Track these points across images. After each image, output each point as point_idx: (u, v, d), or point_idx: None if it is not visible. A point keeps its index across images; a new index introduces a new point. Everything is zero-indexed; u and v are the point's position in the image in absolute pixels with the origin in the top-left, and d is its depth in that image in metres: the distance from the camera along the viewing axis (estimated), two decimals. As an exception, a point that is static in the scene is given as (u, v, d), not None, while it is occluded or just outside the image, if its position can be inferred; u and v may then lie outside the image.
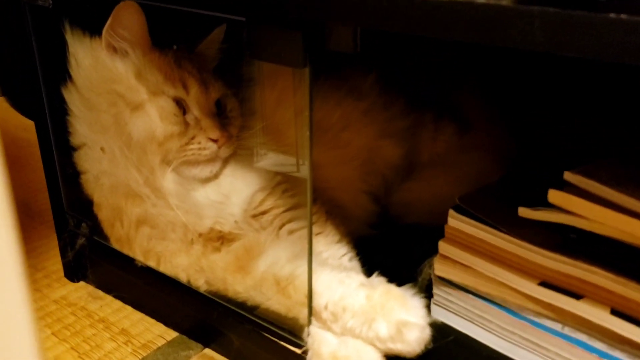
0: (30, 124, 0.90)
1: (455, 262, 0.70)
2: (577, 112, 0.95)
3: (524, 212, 0.66)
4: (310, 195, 0.65)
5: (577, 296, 0.62)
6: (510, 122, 0.99)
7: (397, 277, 0.71)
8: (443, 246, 0.71)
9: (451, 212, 0.70)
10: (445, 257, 0.71)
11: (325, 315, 0.66)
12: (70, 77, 0.79)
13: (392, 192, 0.96)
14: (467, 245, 0.70)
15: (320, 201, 0.85)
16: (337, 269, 0.71)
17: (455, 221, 0.70)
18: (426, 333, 0.64)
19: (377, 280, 0.67)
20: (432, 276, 0.73)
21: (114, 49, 0.74)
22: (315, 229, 0.80)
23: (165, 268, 0.81)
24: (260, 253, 0.74)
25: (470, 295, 0.70)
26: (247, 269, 0.73)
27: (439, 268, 0.72)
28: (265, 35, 0.56)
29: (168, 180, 0.75)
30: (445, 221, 0.77)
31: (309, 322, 0.68)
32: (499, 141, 0.99)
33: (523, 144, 0.96)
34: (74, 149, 0.84)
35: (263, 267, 0.72)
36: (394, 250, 0.87)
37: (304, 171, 0.68)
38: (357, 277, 0.67)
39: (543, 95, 0.98)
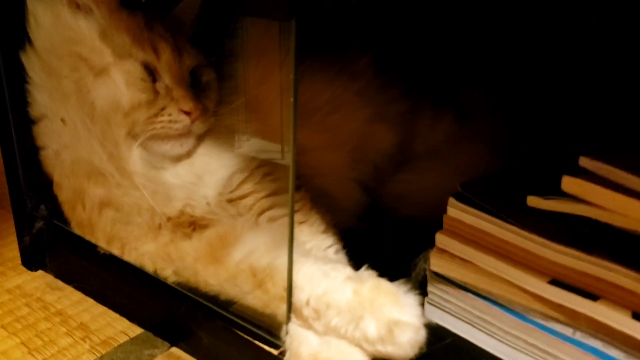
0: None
1: (453, 256, 0.63)
2: (579, 98, 0.89)
3: (533, 201, 0.59)
4: (293, 176, 0.57)
5: (592, 297, 0.54)
6: (511, 112, 0.92)
7: (389, 272, 0.63)
8: (441, 238, 0.64)
9: (451, 200, 0.63)
10: (442, 251, 0.64)
11: (306, 312, 0.58)
12: (29, 39, 0.71)
13: (384, 183, 0.88)
14: (467, 238, 0.62)
15: (305, 188, 0.78)
16: (321, 260, 0.63)
17: (456, 210, 0.63)
18: (421, 335, 0.56)
19: (366, 273, 0.60)
20: (427, 272, 0.65)
21: (77, 6, 0.67)
22: (298, 217, 0.72)
23: (130, 256, 0.73)
24: (236, 241, 0.66)
25: (470, 294, 0.63)
26: (221, 258, 0.65)
27: (436, 263, 0.64)
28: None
29: (134, 157, 0.67)
30: (441, 216, 0.70)
31: (288, 320, 0.60)
32: (499, 132, 0.92)
33: (525, 135, 0.89)
34: (33, 121, 0.76)
35: (238, 257, 0.64)
36: (385, 244, 0.79)
37: (288, 156, 0.60)
38: (343, 269, 0.60)
39: (545, 83, 0.92)
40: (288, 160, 0.59)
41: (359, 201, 0.85)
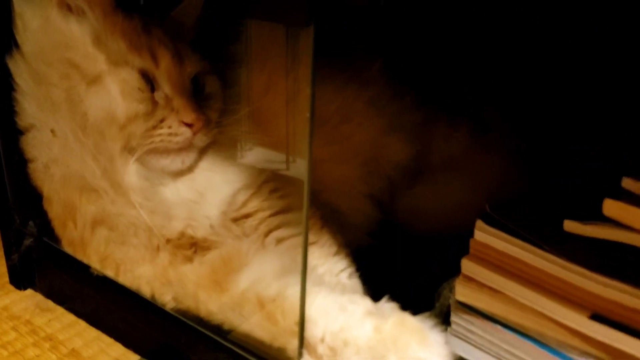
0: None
1: (481, 284, 0.57)
2: (604, 109, 0.83)
3: (571, 226, 0.54)
4: (308, 195, 0.52)
5: (638, 334, 0.49)
6: (531, 123, 0.87)
7: (409, 300, 0.58)
8: (467, 265, 0.58)
9: (479, 223, 0.57)
10: (469, 279, 0.58)
11: (321, 349, 0.52)
12: (16, 43, 0.65)
13: (397, 197, 0.83)
14: (497, 265, 0.56)
15: (314, 205, 0.72)
16: (335, 288, 0.58)
17: (484, 234, 0.57)
18: (448, 376, 0.51)
19: (388, 307, 0.54)
20: (452, 301, 0.60)
21: (68, 8, 0.61)
22: (308, 238, 0.66)
23: (125, 279, 0.67)
24: (241, 266, 0.60)
25: (499, 327, 0.57)
26: (225, 284, 0.60)
27: (461, 291, 0.58)
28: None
29: (130, 173, 0.62)
30: (460, 232, 0.65)
31: (300, 356, 0.55)
32: (519, 143, 0.86)
33: (547, 147, 0.84)
34: (20, 131, 0.70)
35: (244, 285, 0.58)
36: (401, 264, 0.74)
37: (299, 167, 0.55)
38: (362, 302, 0.54)
39: (568, 92, 0.86)
40: (302, 174, 0.53)
41: (372, 217, 0.80)
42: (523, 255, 0.54)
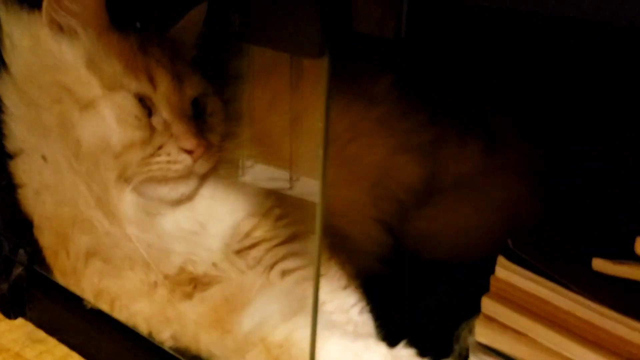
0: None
1: (503, 326, 0.53)
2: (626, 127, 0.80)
3: (600, 265, 0.50)
4: (320, 227, 0.48)
5: (679, 386, 0.45)
6: (548, 140, 0.83)
7: (425, 342, 0.54)
8: (488, 304, 0.54)
9: (501, 259, 0.53)
10: (490, 319, 0.54)
11: (333, 401, 0.49)
12: (4, 63, 0.61)
13: (407, 221, 0.79)
14: (521, 305, 0.53)
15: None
16: (346, 327, 0.54)
17: (506, 272, 0.53)
18: None
19: (405, 354, 0.50)
20: (472, 342, 0.56)
21: (59, 27, 0.57)
22: (311, 272, 0.62)
23: (120, 314, 0.63)
24: (245, 304, 0.56)
25: (523, 371, 0.53)
26: (227, 325, 0.56)
27: (482, 332, 0.54)
28: (266, 11, 0.39)
29: (126, 203, 0.58)
30: (472, 257, 0.61)
31: (310, 407, 0.51)
32: (534, 163, 0.83)
33: (566, 166, 0.80)
34: (9, 155, 0.66)
35: (248, 327, 0.54)
36: (415, 296, 0.70)
37: (311, 189, 0.51)
38: (377, 348, 0.50)
39: (588, 106, 0.82)
40: (314, 196, 0.49)
41: (382, 243, 0.76)
42: (549, 295, 0.51)
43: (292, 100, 0.66)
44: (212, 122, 0.64)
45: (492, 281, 0.54)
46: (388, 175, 0.76)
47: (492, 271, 0.54)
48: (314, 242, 0.46)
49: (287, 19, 0.38)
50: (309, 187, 0.63)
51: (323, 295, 0.60)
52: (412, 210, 0.79)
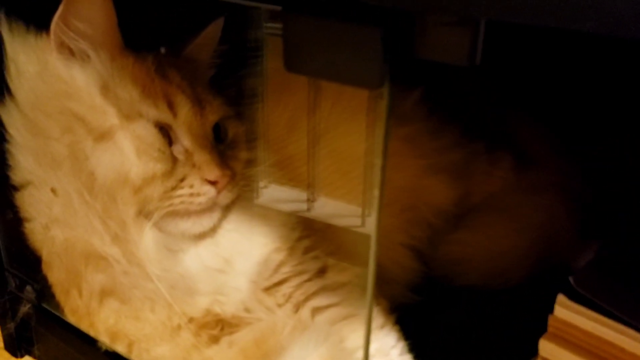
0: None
1: (565, 371, 0.49)
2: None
3: (673, 303, 0.45)
4: (374, 264, 0.43)
5: None
6: (586, 155, 0.78)
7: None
8: (546, 346, 0.50)
9: (561, 298, 0.49)
10: (549, 363, 0.50)
11: None
12: (8, 89, 0.56)
13: (437, 246, 0.74)
14: (584, 348, 0.48)
15: (347, 260, 0.63)
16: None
17: (567, 312, 0.48)
18: None
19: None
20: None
21: (69, 51, 0.52)
22: (346, 310, 0.57)
23: (139, 358, 0.58)
24: (278, 349, 0.52)
25: (587, 419, 0.49)
26: (261, 374, 0.51)
27: (540, 377, 0.50)
28: (313, 33, 0.34)
29: (147, 241, 0.53)
30: (507, 283, 0.57)
31: None
32: (569, 180, 0.78)
33: (607, 183, 0.76)
34: (15, 188, 0.61)
35: (285, 375, 0.50)
36: (452, 329, 0.65)
37: (364, 223, 0.47)
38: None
39: (624, 120, 0.78)
40: (370, 229, 0.45)
41: (413, 270, 0.71)
42: (618, 339, 0.46)
43: (312, 122, 0.62)
44: (234, 149, 0.59)
45: (551, 321, 0.50)
46: (418, 197, 0.72)
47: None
48: (366, 280, 0.42)
49: (341, 41, 0.33)
50: (335, 211, 0.58)
51: (359, 338, 0.55)
52: (443, 234, 0.75)
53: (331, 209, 0.55)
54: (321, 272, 0.60)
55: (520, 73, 0.79)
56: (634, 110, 0.76)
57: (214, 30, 0.64)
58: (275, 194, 0.61)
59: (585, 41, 0.71)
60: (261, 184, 0.63)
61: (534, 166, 0.79)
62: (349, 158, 0.63)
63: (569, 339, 0.49)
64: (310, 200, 0.60)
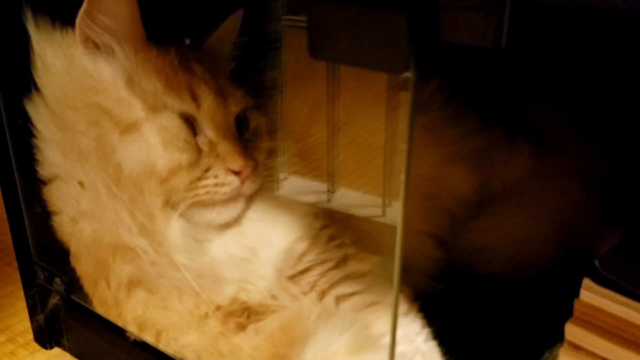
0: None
1: (592, 354, 0.49)
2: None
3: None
4: (401, 255, 0.44)
5: None
6: (606, 140, 0.78)
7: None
8: (572, 330, 0.50)
9: (587, 282, 0.49)
10: (575, 347, 0.50)
11: None
12: (35, 85, 0.57)
13: (459, 234, 0.74)
14: (611, 331, 0.48)
15: (369, 249, 0.64)
16: (414, 359, 0.49)
17: (593, 295, 0.48)
18: None
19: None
20: (554, 371, 0.51)
21: (94, 45, 0.53)
22: (370, 297, 0.58)
23: (168, 347, 0.59)
24: (304, 335, 0.52)
25: (614, 402, 0.49)
26: (288, 359, 0.52)
27: (567, 361, 0.50)
28: (338, 18, 0.34)
29: (174, 231, 0.54)
30: (529, 270, 0.57)
31: None
32: (593, 164, 0.78)
33: (629, 168, 0.75)
34: (43, 182, 0.62)
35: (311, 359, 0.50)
36: (476, 316, 0.65)
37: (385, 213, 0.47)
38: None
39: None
40: (396, 220, 0.44)
41: (434, 258, 0.71)
42: (644, 320, 0.46)
43: (332, 112, 0.63)
44: (257, 139, 0.60)
45: (576, 305, 0.50)
46: (438, 185, 0.72)
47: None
48: (392, 269, 0.42)
49: (364, 26, 0.34)
50: (356, 202, 0.59)
51: (384, 325, 0.55)
52: (464, 222, 0.75)
53: (351, 199, 0.55)
54: (343, 261, 0.60)
55: (538, 58, 0.78)
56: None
57: (233, 23, 0.64)
58: (295, 184, 0.62)
59: (606, 24, 0.70)
60: (282, 175, 0.64)
61: (554, 152, 0.79)
62: (368, 148, 0.64)
63: (596, 323, 0.49)
64: (330, 191, 0.61)
